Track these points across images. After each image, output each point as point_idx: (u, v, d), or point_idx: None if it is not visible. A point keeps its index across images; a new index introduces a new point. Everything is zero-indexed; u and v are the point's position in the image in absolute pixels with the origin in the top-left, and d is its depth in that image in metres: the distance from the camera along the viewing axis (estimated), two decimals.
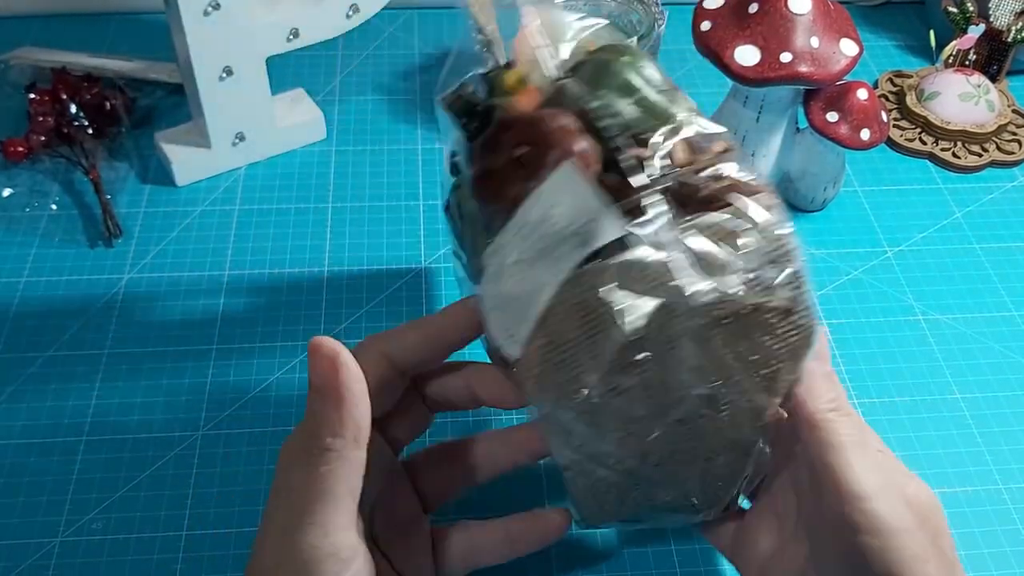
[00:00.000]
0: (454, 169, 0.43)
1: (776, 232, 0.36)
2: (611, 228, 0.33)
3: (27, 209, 0.65)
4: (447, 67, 0.41)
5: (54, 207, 0.65)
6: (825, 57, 0.59)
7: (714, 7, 0.63)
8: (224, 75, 0.63)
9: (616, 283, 0.33)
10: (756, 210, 0.35)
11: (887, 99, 0.77)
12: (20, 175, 0.66)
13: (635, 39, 0.63)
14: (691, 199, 0.36)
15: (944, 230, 0.67)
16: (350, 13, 0.66)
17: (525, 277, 0.34)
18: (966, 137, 0.72)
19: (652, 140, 0.37)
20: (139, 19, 0.80)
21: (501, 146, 0.37)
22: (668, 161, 0.36)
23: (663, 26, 0.65)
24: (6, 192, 0.65)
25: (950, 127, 0.72)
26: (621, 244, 0.34)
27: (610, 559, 0.47)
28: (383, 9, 0.67)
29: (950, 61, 0.75)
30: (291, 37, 0.64)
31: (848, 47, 0.60)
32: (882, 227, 0.67)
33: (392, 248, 0.63)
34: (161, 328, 0.58)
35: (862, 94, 0.61)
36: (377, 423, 0.36)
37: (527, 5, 0.40)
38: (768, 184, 0.37)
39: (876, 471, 0.35)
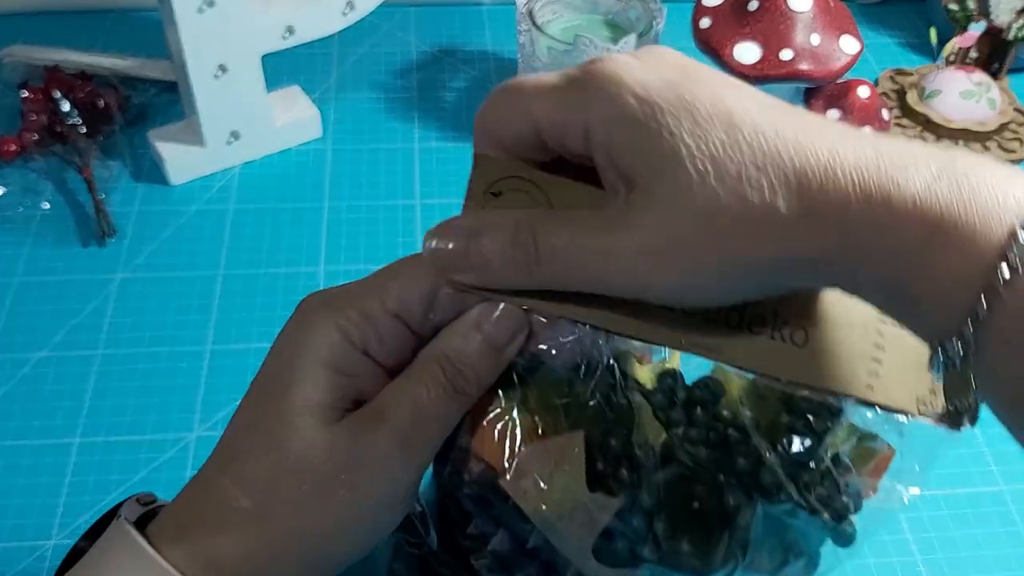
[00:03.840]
0: None
1: None
2: None
3: (20, 208, 0.64)
4: None
5: (47, 206, 0.64)
6: (826, 55, 0.59)
7: (714, 4, 0.63)
8: (219, 73, 0.62)
9: None
10: None
11: (888, 97, 0.76)
12: (13, 174, 0.66)
13: (632, 36, 0.63)
14: None
15: None
16: (346, 11, 0.65)
17: None
18: (967, 135, 0.71)
19: None
20: (133, 16, 0.80)
21: None
22: None
23: (661, 23, 0.65)
24: None
25: (951, 125, 0.71)
26: None
27: None
28: (379, 6, 0.67)
29: (951, 59, 0.75)
30: (286, 34, 0.64)
31: (849, 44, 0.60)
32: None
33: (388, 248, 0.63)
34: (155, 329, 0.57)
35: (863, 92, 0.61)
36: None
37: None
38: None
39: None
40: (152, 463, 0.50)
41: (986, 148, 0.72)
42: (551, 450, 0.30)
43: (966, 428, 0.29)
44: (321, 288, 0.59)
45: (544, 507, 0.30)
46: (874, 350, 0.29)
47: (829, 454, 0.31)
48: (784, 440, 0.30)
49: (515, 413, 0.31)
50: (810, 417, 0.30)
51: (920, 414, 0.29)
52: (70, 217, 0.64)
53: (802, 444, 0.30)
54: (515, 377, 0.32)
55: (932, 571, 0.48)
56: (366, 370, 0.31)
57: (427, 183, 0.68)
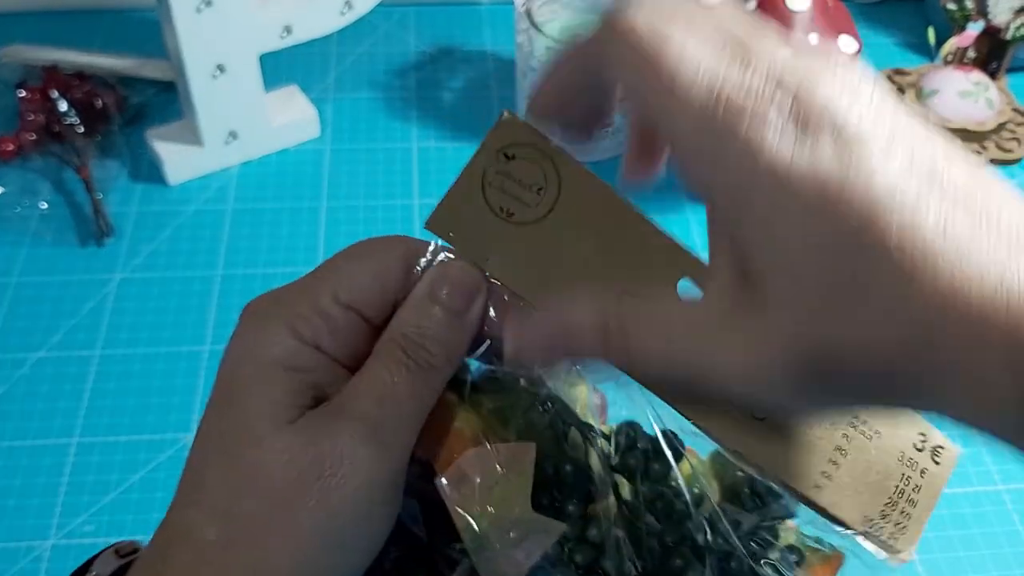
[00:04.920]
0: None
1: None
2: None
3: (17, 208, 0.64)
4: None
5: (45, 206, 0.64)
6: None
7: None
8: (216, 72, 0.62)
9: None
10: None
11: None
12: (10, 174, 0.65)
13: None
14: None
15: None
16: (344, 10, 0.65)
17: None
18: (965, 135, 0.72)
19: None
20: (131, 16, 0.80)
21: None
22: None
23: None
24: None
25: (949, 125, 0.71)
26: None
27: None
28: (378, 6, 0.67)
29: (949, 59, 0.75)
30: (284, 34, 0.64)
31: (847, 44, 0.60)
32: None
33: None
34: (153, 329, 0.57)
35: None
36: None
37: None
38: None
39: None
40: (150, 463, 0.50)
41: (984, 148, 0.72)
42: (499, 457, 0.27)
43: (909, 559, 0.28)
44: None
45: (480, 519, 0.26)
46: (834, 452, 0.27)
47: (783, 538, 0.29)
48: (738, 508, 0.29)
49: (463, 413, 0.28)
50: (769, 495, 0.29)
51: (862, 532, 0.27)
52: (68, 217, 0.64)
53: (756, 519, 0.29)
54: (468, 381, 0.29)
55: (930, 570, 0.48)
56: (322, 365, 0.28)
57: (425, 183, 0.68)
